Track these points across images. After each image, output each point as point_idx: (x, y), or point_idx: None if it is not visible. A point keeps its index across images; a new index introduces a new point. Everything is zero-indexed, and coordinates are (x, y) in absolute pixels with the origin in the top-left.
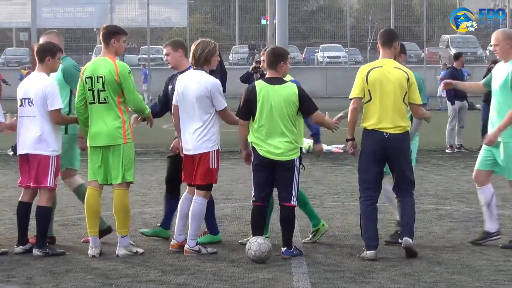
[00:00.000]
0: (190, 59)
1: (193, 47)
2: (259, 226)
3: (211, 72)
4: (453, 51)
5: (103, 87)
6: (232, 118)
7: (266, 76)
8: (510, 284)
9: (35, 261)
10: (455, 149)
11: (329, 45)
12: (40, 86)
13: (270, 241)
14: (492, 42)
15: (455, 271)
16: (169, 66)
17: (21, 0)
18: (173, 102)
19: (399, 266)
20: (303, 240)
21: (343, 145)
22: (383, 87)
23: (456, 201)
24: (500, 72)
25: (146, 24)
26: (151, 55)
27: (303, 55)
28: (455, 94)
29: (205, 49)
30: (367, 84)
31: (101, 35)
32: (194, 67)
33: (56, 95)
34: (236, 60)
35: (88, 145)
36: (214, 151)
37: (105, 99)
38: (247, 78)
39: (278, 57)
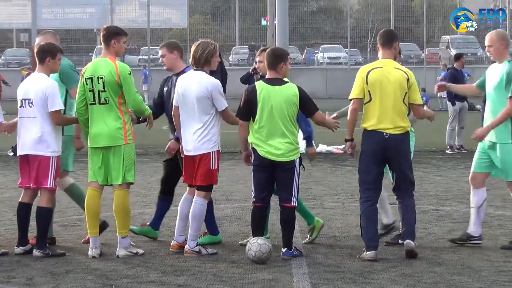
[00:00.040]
0: (190, 60)
1: (193, 48)
2: (259, 227)
3: (212, 73)
4: (453, 52)
5: (104, 88)
6: (233, 118)
7: (266, 77)
8: (510, 285)
9: (35, 262)
10: (455, 150)
11: (329, 45)
12: (40, 87)
13: (270, 241)
14: (486, 43)
15: (455, 271)
16: (165, 68)
17: (22, 1)
18: (174, 103)
19: (399, 266)
20: (303, 241)
21: (343, 146)
22: (383, 88)
23: (456, 202)
24: (494, 73)
25: (147, 25)
26: (151, 56)
27: (303, 55)
28: (455, 95)
29: (206, 50)
30: (367, 84)
31: (101, 36)
32: (195, 68)
33: (56, 96)
34: (236, 61)
35: (88, 146)
36: (215, 152)
37: (105, 100)
38: (247, 79)
39: (278, 58)
